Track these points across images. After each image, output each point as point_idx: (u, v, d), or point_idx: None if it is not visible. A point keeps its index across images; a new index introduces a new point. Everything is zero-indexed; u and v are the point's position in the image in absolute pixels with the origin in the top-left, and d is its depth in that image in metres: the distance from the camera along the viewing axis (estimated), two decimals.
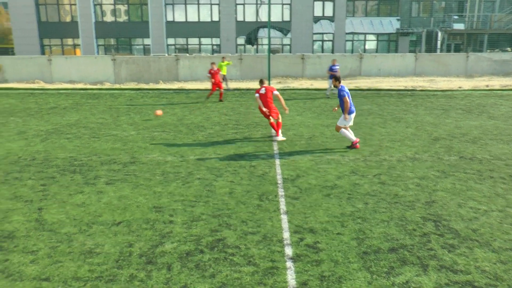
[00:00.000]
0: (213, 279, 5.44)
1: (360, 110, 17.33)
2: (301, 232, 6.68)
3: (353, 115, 11.59)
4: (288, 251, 6.10)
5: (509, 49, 38.85)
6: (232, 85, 27.16)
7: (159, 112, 15.16)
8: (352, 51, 42.25)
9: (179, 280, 5.42)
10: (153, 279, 5.44)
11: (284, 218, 7.21)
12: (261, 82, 13.15)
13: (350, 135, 11.63)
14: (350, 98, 11.46)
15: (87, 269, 5.68)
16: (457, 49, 42.11)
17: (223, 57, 25.08)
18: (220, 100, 21.02)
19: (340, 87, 11.42)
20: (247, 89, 25.65)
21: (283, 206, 7.71)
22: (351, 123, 11.69)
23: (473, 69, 31.31)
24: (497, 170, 9.74)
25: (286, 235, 6.59)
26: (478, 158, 10.77)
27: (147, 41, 42.02)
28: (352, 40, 43.06)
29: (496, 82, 27.34)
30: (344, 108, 11.37)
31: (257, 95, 12.89)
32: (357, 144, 11.67)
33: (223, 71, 24.19)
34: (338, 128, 11.64)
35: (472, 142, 12.34)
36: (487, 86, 25.83)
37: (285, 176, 9.36)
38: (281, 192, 8.44)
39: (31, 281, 5.43)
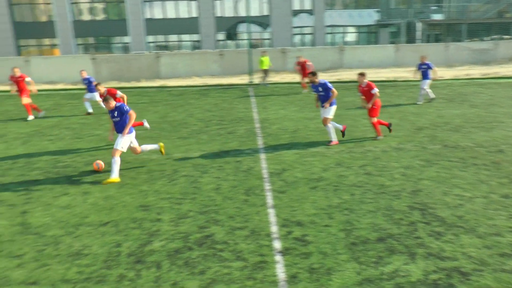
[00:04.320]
0: (202, 275, 5.41)
1: (343, 103, 17.37)
2: (289, 225, 6.68)
3: (334, 107, 11.44)
4: (277, 245, 6.09)
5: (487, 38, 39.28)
6: (214, 81, 27.03)
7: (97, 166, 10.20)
8: (332, 44, 42.34)
9: (168, 278, 5.38)
10: (143, 278, 5.40)
11: (271, 212, 7.20)
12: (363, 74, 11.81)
13: (337, 125, 11.77)
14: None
15: (76, 271, 5.61)
16: (437, 40, 42.45)
17: (262, 52, 24.79)
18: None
19: (320, 81, 11.20)
20: (230, 85, 25.53)
21: (269, 200, 7.69)
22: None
23: (453, 59, 31.62)
24: (480, 157, 9.86)
25: (274, 229, 6.59)
26: (461, 146, 10.88)
27: (126, 39, 41.57)
28: (332, 33, 43.15)
29: (476, 71, 27.66)
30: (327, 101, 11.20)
31: (376, 90, 11.50)
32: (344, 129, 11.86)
33: (264, 66, 24.02)
34: (326, 121, 11.36)
35: (455, 131, 12.47)
36: (468, 75, 26.11)
37: (271, 171, 9.35)
38: (267, 186, 8.42)
39: (18, 285, 5.34)
